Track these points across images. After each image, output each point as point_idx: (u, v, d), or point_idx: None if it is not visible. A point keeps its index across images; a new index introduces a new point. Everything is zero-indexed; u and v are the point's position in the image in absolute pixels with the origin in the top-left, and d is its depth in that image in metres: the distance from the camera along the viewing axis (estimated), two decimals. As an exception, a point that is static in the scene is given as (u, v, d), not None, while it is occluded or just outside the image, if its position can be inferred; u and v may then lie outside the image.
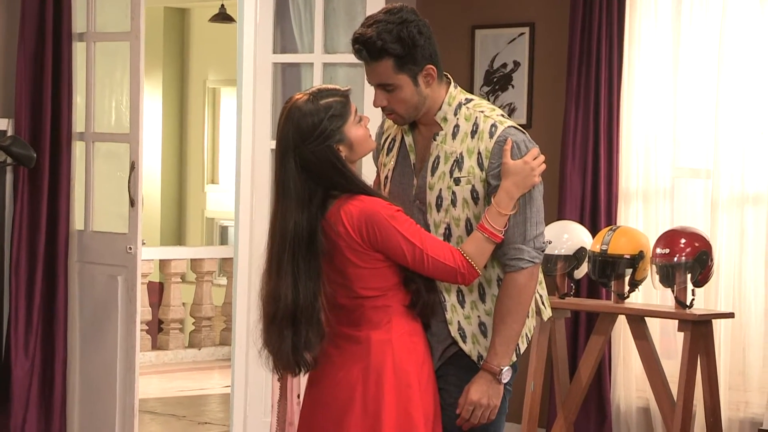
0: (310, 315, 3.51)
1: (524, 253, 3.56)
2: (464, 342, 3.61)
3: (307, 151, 3.51)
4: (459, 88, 3.69)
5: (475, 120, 3.61)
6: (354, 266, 3.53)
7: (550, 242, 6.24)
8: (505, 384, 3.60)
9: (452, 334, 3.61)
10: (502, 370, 3.56)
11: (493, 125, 3.58)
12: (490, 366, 3.57)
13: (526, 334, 3.67)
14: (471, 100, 3.66)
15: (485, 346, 3.61)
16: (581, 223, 6.57)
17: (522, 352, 3.67)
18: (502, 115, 3.63)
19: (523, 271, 3.56)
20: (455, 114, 3.63)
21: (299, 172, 3.52)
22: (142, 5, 6.43)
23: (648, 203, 6.65)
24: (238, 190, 6.70)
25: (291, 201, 3.52)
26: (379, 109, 3.66)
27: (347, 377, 3.55)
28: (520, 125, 3.66)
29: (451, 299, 3.62)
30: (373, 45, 3.53)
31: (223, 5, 12.40)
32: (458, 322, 3.62)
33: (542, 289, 3.78)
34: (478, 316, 3.63)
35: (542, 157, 3.58)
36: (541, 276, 3.72)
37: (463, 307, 3.63)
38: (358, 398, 3.53)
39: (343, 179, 3.53)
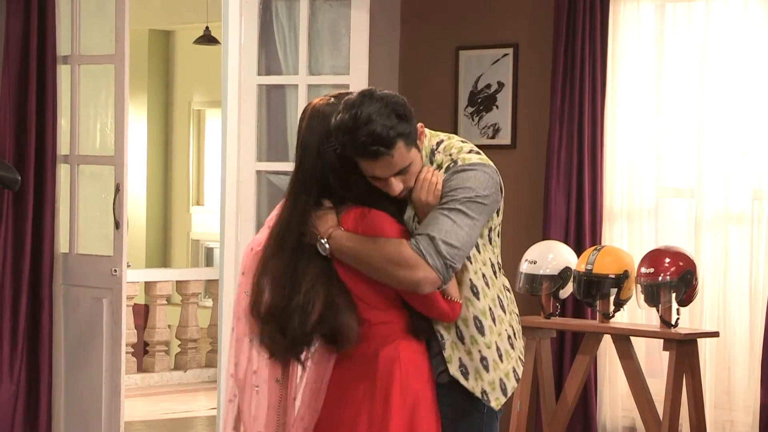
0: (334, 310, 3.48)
1: (425, 243, 3.42)
2: (466, 379, 3.55)
3: (330, 151, 3.50)
4: (426, 129, 3.61)
5: (446, 167, 3.56)
6: (359, 280, 3.50)
7: (534, 262, 6.26)
8: (495, 410, 3.58)
9: (451, 372, 3.55)
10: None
11: (450, 164, 3.54)
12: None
13: (519, 357, 3.63)
14: (441, 142, 3.61)
15: (488, 381, 3.56)
16: (566, 242, 6.58)
17: (520, 375, 3.63)
18: (471, 151, 3.57)
19: (410, 249, 3.41)
20: (431, 162, 3.58)
21: (322, 172, 3.50)
22: (127, 27, 6.44)
23: (632, 223, 6.66)
24: (224, 211, 6.70)
25: (310, 197, 3.51)
26: None
27: (353, 395, 3.52)
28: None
29: (450, 336, 3.56)
30: (386, 137, 3.41)
31: (207, 27, 12.40)
32: (459, 358, 3.56)
33: (516, 324, 3.69)
34: (479, 351, 3.56)
35: (432, 172, 3.53)
36: (515, 308, 3.68)
37: (463, 342, 3.56)
38: (365, 417, 3.50)
39: (363, 181, 3.50)
